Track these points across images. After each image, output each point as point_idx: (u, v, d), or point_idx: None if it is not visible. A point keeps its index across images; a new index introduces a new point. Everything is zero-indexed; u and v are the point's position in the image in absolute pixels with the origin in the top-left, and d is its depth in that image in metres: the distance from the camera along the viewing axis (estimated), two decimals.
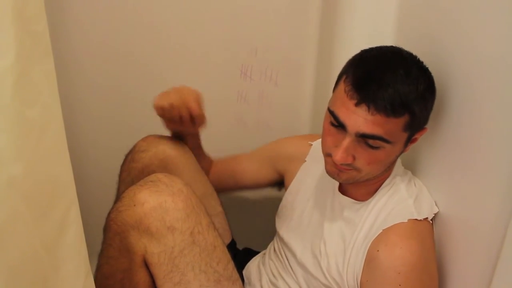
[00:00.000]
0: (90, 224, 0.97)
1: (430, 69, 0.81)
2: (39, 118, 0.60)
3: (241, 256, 1.09)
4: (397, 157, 0.84)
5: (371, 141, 0.77)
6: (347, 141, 0.78)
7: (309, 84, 1.30)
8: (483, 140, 0.74)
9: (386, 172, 0.86)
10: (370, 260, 0.82)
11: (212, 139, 1.33)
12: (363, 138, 0.77)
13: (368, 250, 0.83)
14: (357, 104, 0.75)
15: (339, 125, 0.78)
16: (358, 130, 0.76)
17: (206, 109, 1.33)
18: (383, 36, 1.06)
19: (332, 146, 0.81)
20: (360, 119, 0.75)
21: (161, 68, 1.28)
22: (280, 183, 1.11)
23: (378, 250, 0.81)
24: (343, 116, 0.77)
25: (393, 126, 0.76)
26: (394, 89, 0.74)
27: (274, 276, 1.01)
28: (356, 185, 0.88)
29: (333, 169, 0.83)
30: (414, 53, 0.82)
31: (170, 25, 1.23)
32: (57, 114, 0.64)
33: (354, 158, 0.79)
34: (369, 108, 0.74)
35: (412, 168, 0.93)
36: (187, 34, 1.24)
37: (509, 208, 0.66)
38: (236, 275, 0.92)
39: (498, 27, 0.70)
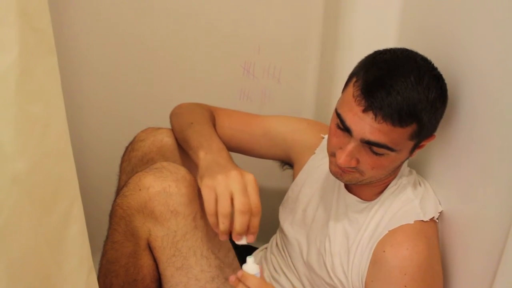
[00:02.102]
0: (92, 220, 0.98)
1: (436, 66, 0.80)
2: (42, 115, 0.60)
3: (241, 251, 1.09)
4: (402, 163, 0.84)
5: (375, 148, 0.76)
6: (351, 145, 0.78)
7: (312, 82, 1.29)
8: (487, 139, 0.74)
9: (391, 176, 0.86)
10: (376, 261, 0.82)
11: None
12: (368, 144, 0.77)
13: (374, 250, 0.83)
14: (364, 111, 0.74)
15: (345, 129, 0.78)
16: (363, 137, 0.76)
17: None
18: (387, 32, 1.06)
19: (337, 147, 0.81)
20: (366, 126, 0.75)
21: (163, 64, 1.28)
22: (285, 163, 1.10)
23: (384, 251, 0.81)
24: (349, 121, 0.77)
25: (399, 135, 0.75)
26: (403, 97, 0.73)
27: (276, 271, 1.01)
28: (361, 186, 0.88)
29: (336, 170, 0.83)
30: (418, 48, 0.81)
31: (173, 22, 1.23)
32: (60, 110, 0.64)
33: (358, 161, 0.79)
34: (376, 116, 0.74)
35: (416, 167, 0.93)
36: (190, 31, 1.24)
37: None
38: (236, 263, 0.93)
39: (507, 23, 0.69)
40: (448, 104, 0.82)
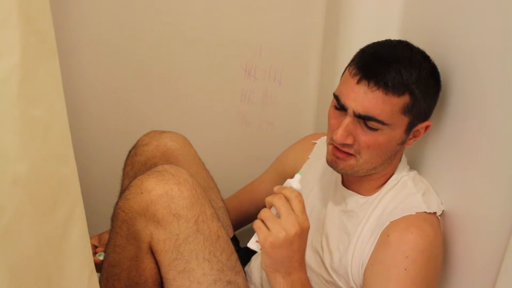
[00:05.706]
0: (94, 223, 0.98)
1: (436, 62, 0.82)
2: (44, 117, 0.60)
3: (242, 254, 1.09)
4: (398, 145, 0.84)
5: (369, 122, 0.79)
6: (347, 120, 0.80)
7: (313, 83, 1.30)
8: (487, 135, 0.74)
9: (388, 166, 0.87)
10: (379, 246, 0.82)
11: (216, 139, 1.34)
12: (361, 118, 0.79)
13: (377, 241, 0.83)
14: (358, 81, 0.78)
15: (341, 107, 0.81)
16: (355, 110, 0.78)
17: (210, 109, 1.34)
18: (388, 35, 1.05)
19: (335, 127, 0.83)
20: (358, 97, 0.78)
21: (164, 67, 1.28)
22: None
23: (388, 235, 0.81)
24: (344, 97, 0.80)
25: (392, 106, 0.77)
26: (396, 69, 0.77)
27: None
28: (360, 180, 0.88)
29: (332, 158, 0.85)
30: (419, 45, 0.83)
31: (174, 25, 1.24)
32: (61, 113, 0.64)
33: (354, 140, 0.81)
34: (369, 83, 0.77)
35: (417, 167, 0.93)
36: (191, 34, 1.24)
37: None
38: (239, 266, 0.93)
39: (505, 20, 0.69)
40: (446, 98, 0.83)
